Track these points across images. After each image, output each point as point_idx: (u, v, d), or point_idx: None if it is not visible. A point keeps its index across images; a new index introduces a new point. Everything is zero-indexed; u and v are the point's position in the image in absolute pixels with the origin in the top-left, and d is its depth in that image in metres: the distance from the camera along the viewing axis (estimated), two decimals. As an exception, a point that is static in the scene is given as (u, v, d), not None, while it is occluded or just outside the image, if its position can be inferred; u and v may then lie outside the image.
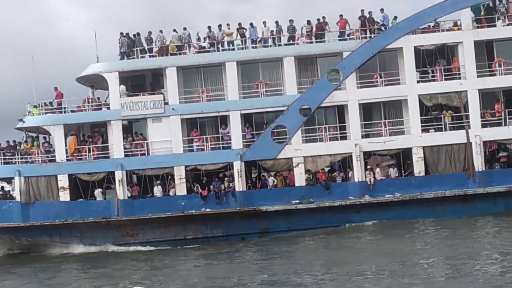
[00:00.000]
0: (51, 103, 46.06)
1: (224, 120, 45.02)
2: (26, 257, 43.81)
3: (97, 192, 44.71)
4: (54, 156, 45.16)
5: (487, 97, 44.82)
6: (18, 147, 46.23)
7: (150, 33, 46.17)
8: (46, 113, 45.87)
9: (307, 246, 39.13)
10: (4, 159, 45.81)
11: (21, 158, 45.62)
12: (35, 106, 46.22)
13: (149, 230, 43.72)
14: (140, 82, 47.32)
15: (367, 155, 44.04)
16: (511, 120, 43.84)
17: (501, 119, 43.90)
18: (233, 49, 45.71)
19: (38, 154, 45.52)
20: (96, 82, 47.01)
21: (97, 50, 46.86)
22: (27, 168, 45.03)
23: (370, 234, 40.44)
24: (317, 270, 31.33)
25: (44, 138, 47.17)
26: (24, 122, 45.96)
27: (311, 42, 45.49)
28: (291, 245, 38.86)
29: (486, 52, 45.03)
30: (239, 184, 43.73)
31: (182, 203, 43.76)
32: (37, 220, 44.18)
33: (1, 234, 44.97)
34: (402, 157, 44.56)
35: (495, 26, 44.50)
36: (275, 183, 44.30)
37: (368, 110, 45.27)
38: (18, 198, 44.73)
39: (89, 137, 45.96)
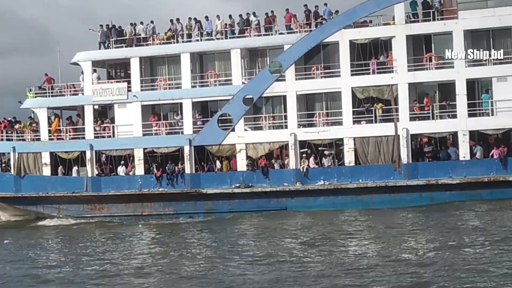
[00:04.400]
0: (39, 87, 51.91)
1: (181, 107, 49.02)
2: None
3: (74, 169, 50.46)
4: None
5: (422, 91, 45.99)
6: (15, 126, 52.62)
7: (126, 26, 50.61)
8: (35, 96, 51.83)
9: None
10: (7, 136, 52.42)
11: (17, 136, 52.04)
12: (30, 90, 52.24)
13: (112, 206, 49.09)
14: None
15: (303, 144, 46.64)
16: (443, 114, 44.92)
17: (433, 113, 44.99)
18: (190, 41, 49.34)
19: (28, 133, 51.74)
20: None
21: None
22: (20, 145, 51.42)
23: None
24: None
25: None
26: (21, 103, 52.23)
27: (260, 35, 48.20)
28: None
29: (425, 47, 45.88)
30: (188, 167, 47.95)
31: (140, 182, 48.73)
32: (26, 192, 50.75)
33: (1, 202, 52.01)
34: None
35: (429, 20, 45.17)
36: (221, 167, 48.07)
37: (311, 101, 47.69)
38: (12, 171, 51.41)
39: (69, 119, 51.63)
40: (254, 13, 48.35)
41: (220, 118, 47.81)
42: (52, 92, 51.53)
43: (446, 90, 45.29)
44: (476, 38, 44.98)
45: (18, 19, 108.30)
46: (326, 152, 46.75)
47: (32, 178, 50.83)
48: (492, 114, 44.06)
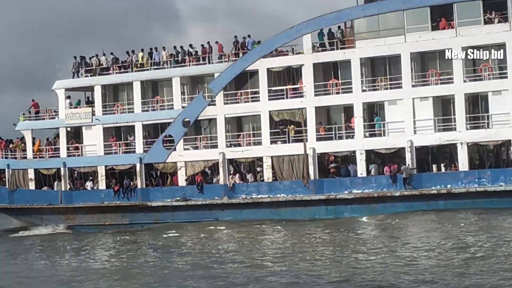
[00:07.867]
0: (29, 112, 59.76)
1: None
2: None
3: (56, 183, 58.03)
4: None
5: (331, 114, 50.73)
6: (10, 145, 60.76)
7: (91, 57, 57.61)
8: (24, 120, 59.71)
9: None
10: (5, 154, 60.66)
11: (11, 155, 60.15)
12: (23, 114, 60.22)
13: (81, 216, 56.27)
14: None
15: (230, 162, 52.18)
16: (349, 134, 49.39)
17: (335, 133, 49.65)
18: (142, 70, 55.75)
19: (19, 152, 59.72)
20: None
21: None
22: (12, 163, 59.48)
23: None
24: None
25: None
26: (15, 126, 60.30)
27: (198, 64, 54.03)
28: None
29: (333, 73, 50.45)
30: (139, 182, 54.49)
31: (102, 196, 55.71)
32: (17, 203, 58.79)
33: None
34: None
35: (333, 49, 49.72)
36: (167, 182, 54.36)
37: (240, 123, 53.26)
38: (7, 186, 59.59)
39: (52, 139, 59.24)
40: (191, 45, 54.30)
41: (164, 138, 54.00)
42: (35, 116, 59.27)
43: (351, 113, 49.61)
44: (375, 65, 49.24)
45: (259, 13, 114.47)
46: (258, 169, 52.08)
47: (21, 191, 58.76)
48: (384, 135, 48.23)
